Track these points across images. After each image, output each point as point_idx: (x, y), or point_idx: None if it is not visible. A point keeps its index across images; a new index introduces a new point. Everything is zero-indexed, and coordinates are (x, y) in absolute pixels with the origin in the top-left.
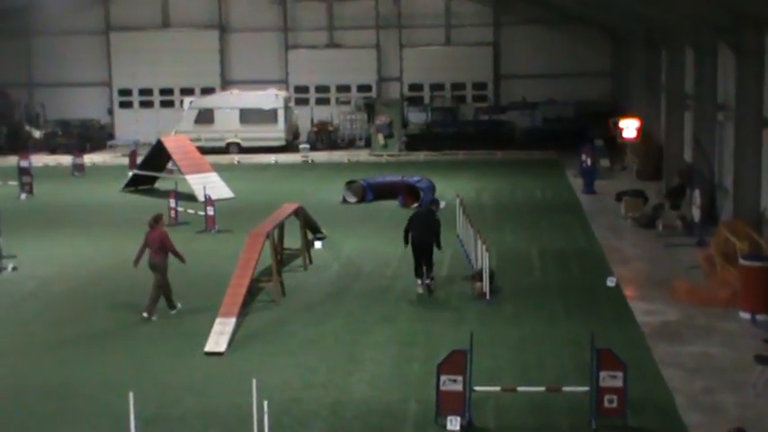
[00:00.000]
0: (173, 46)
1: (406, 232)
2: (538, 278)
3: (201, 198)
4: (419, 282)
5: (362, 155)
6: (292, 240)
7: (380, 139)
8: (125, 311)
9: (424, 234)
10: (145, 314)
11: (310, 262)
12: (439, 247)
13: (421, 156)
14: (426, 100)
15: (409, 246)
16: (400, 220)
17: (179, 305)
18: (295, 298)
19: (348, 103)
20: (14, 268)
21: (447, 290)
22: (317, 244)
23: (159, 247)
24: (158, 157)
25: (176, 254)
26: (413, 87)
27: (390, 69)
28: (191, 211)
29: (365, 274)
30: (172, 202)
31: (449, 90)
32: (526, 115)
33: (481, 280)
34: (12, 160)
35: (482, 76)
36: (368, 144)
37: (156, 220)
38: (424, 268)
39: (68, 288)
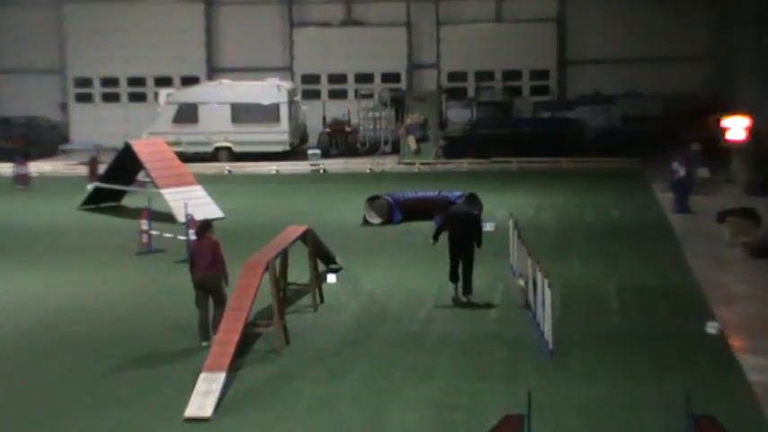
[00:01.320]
0: (145, 23)
1: (440, 230)
2: (615, 322)
3: (182, 218)
4: (454, 287)
5: (389, 163)
6: (299, 273)
7: (412, 142)
8: (85, 363)
9: (465, 230)
10: (204, 343)
11: (321, 300)
12: (479, 245)
13: (463, 164)
14: (471, 93)
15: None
16: (438, 246)
17: (213, 337)
18: (302, 346)
19: (370, 96)
20: None
21: (498, 336)
22: (331, 277)
23: (212, 260)
24: (126, 165)
25: (224, 272)
26: (453, 77)
27: (425, 53)
28: (168, 235)
29: (392, 315)
30: (143, 224)
31: (500, 80)
32: (600, 112)
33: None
34: None
35: (543, 62)
36: (395, 149)
37: (205, 228)
38: (461, 274)
39: (9, 336)
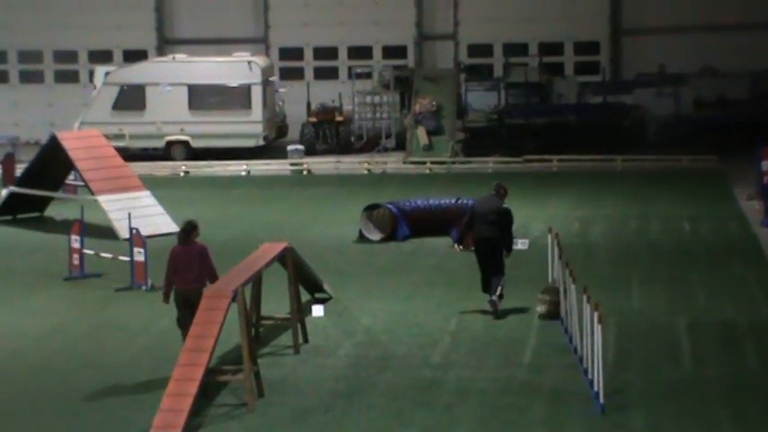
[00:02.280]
0: None
1: (467, 227)
2: (688, 369)
3: (124, 234)
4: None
5: (392, 162)
6: (275, 304)
7: (422, 135)
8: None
9: (491, 229)
10: None
11: (305, 340)
12: (508, 249)
13: (488, 164)
14: (498, 72)
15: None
16: (454, 269)
17: None
18: (279, 400)
19: (368, 76)
20: None
21: (534, 386)
22: (317, 310)
23: (201, 270)
24: (52, 164)
25: (215, 279)
26: (476, 50)
27: (439, 21)
28: (106, 255)
29: (396, 359)
30: (74, 241)
31: (535, 55)
32: (665, 96)
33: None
34: None
35: (591, 32)
36: (401, 144)
37: (189, 231)
38: (492, 278)
39: None
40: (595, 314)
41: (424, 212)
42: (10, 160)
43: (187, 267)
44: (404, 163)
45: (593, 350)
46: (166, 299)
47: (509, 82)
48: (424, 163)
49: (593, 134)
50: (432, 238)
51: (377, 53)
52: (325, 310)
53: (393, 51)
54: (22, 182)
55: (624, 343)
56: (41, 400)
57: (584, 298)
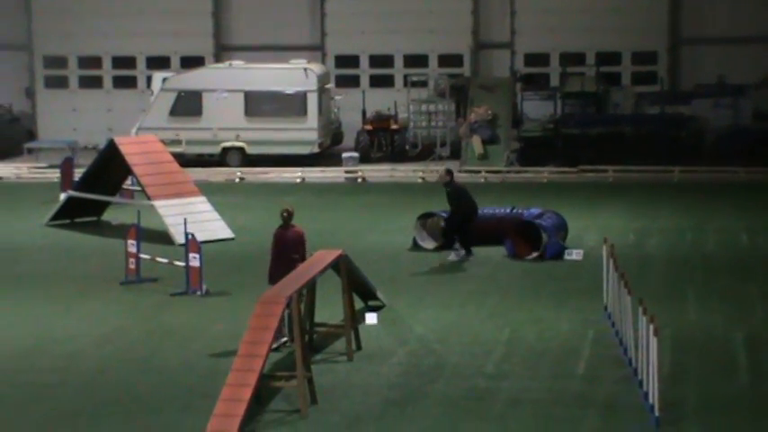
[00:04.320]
0: None
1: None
2: (744, 383)
3: (180, 239)
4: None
5: None
6: (329, 311)
7: (477, 144)
8: (53, 424)
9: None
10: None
11: (358, 347)
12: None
13: (544, 174)
14: (554, 81)
15: None
16: (507, 278)
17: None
18: (332, 407)
19: (424, 84)
20: None
21: (587, 397)
22: (371, 317)
23: (302, 252)
24: (109, 169)
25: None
26: (532, 60)
27: (495, 30)
28: (162, 260)
29: (449, 368)
30: (130, 245)
31: (592, 65)
32: (724, 107)
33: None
34: None
35: (649, 42)
36: (455, 153)
37: (292, 213)
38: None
39: None
40: (651, 326)
41: (478, 221)
42: (68, 165)
43: (290, 249)
44: (458, 172)
45: (648, 363)
46: (271, 280)
47: (565, 91)
48: (479, 172)
49: (649, 145)
50: (485, 247)
51: (432, 61)
52: (379, 318)
53: (449, 60)
54: (79, 186)
55: (680, 356)
56: (98, 404)
57: (640, 310)
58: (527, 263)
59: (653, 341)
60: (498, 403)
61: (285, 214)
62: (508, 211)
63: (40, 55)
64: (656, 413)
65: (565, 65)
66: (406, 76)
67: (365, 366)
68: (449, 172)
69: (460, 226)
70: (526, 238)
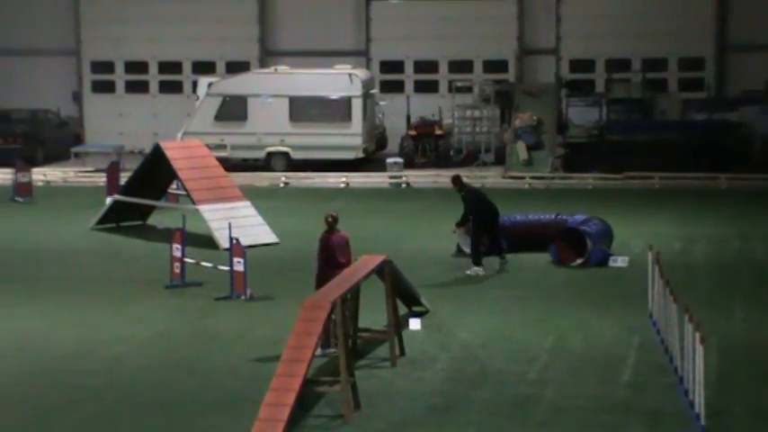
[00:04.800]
0: None
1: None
2: None
3: (224, 244)
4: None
5: (491, 176)
6: (373, 316)
7: (521, 150)
8: (96, 427)
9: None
10: (333, 349)
11: (402, 353)
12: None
13: (588, 180)
14: (600, 87)
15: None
16: (552, 285)
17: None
18: (375, 413)
19: (469, 90)
20: None
21: (631, 405)
22: (414, 323)
23: (348, 257)
24: (155, 174)
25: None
26: (578, 66)
27: (541, 35)
28: (206, 264)
29: (492, 375)
30: (175, 249)
31: (638, 71)
32: None
33: None
34: None
35: (696, 48)
36: (500, 159)
37: (337, 218)
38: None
39: (4, 386)
40: (697, 334)
41: (523, 227)
42: (114, 169)
43: (338, 252)
44: (503, 177)
45: (694, 370)
46: (319, 285)
47: (611, 98)
48: (524, 178)
49: (696, 152)
50: (530, 253)
51: (477, 67)
52: (422, 324)
53: (494, 65)
54: (125, 190)
55: (726, 364)
56: (142, 407)
57: (686, 318)
58: (572, 269)
59: (699, 349)
60: (542, 410)
61: (330, 219)
62: (553, 217)
63: (87, 60)
64: (702, 422)
65: (611, 71)
66: (450, 82)
67: (408, 372)
68: (455, 180)
69: (479, 232)
70: (571, 245)
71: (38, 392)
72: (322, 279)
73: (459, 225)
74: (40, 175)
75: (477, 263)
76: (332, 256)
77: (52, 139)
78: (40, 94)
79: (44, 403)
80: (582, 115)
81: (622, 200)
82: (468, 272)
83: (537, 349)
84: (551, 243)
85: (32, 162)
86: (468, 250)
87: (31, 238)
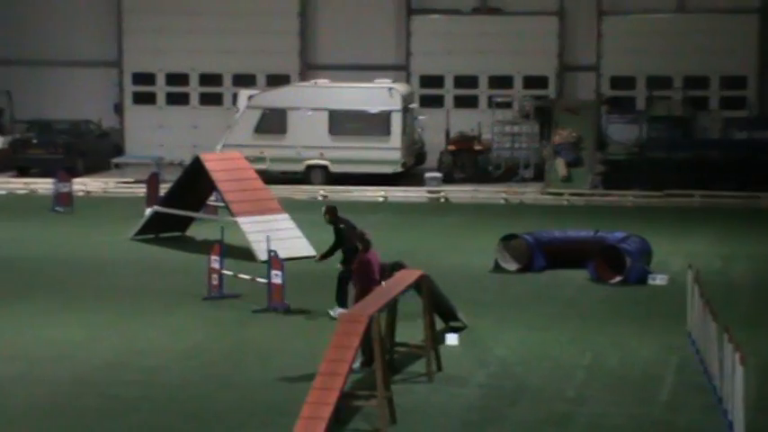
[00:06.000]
0: (222, 8)
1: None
2: None
3: (263, 256)
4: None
5: (530, 192)
6: (410, 331)
7: (560, 167)
8: None
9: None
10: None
11: (439, 368)
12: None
13: (628, 197)
14: (640, 104)
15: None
16: (590, 302)
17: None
18: (412, 428)
19: (508, 106)
20: None
21: (670, 424)
22: (451, 338)
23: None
24: (195, 185)
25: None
26: (618, 83)
27: (581, 52)
28: (244, 276)
29: (530, 391)
30: (214, 261)
31: (679, 88)
32: None
33: None
34: None
35: (739, 66)
36: (539, 175)
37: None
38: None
39: (40, 397)
40: (737, 354)
41: (561, 244)
42: (154, 180)
43: (376, 269)
44: (542, 193)
45: (733, 391)
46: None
47: (651, 115)
48: (563, 194)
49: (737, 170)
50: (568, 270)
51: (517, 83)
52: (460, 339)
53: (534, 81)
54: (165, 201)
55: (766, 385)
56: (178, 418)
57: (725, 337)
58: (610, 287)
59: (739, 369)
60: (578, 428)
61: (367, 237)
62: (591, 234)
63: (129, 71)
64: None
65: (652, 88)
66: (490, 97)
67: (445, 387)
68: (330, 211)
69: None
70: (610, 262)
71: (75, 402)
72: (362, 296)
73: (323, 257)
74: (80, 185)
75: (343, 304)
76: (370, 273)
77: (93, 149)
78: (82, 105)
79: (81, 413)
80: (622, 132)
81: (662, 217)
82: (332, 312)
83: (574, 367)
84: (590, 260)
85: (73, 172)
86: (506, 266)
87: (70, 248)
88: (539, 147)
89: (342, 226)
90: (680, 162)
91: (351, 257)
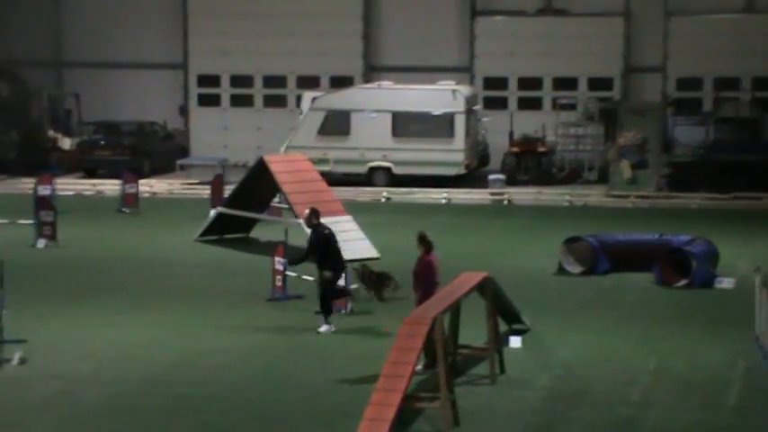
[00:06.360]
0: (287, 10)
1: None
2: None
3: None
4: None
5: (594, 195)
6: (473, 333)
7: (626, 169)
8: None
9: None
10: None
11: (502, 371)
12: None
13: (694, 200)
14: (707, 106)
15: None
16: (655, 306)
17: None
18: (475, 430)
19: (573, 107)
20: (22, 361)
21: (740, 428)
22: (515, 341)
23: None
24: (258, 187)
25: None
26: (684, 84)
27: (647, 53)
28: (308, 277)
29: (594, 395)
30: (278, 263)
31: (747, 90)
32: None
33: None
34: (26, 185)
35: None
36: (603, 177)
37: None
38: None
39: (108, 396)
40: None
41: (626, 247)
42: (218, 181)
43: (437, 272)
44: (606, 196)
45: None
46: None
47: (718, 117)
48: (628, 196)
49: None
50: (632, 273)
51: (582, 84)
52: (523, 342)
53: (599, 83)
54: (229, 203)
55: None
56: (241, 419)
57: None
58: (676, 290)
59: None
60: None
61: (428, 239)
62: (656, 237)
63: (194, 74)
64: None
65: (719, 90)
66: (554, 99)
67: (508, 390)
68: (314, 213)
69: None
70: (675, 265)
71: (142, 402)
72: (425, 299)
73: (292, 263)
74: (146, 186)
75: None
76: (432, 275)
77: (159, 151)
78: (148, 106)
79: (148, 413)
80: (688, 134)
81: (728, 220)
82: (322, 329)
83: (639, 371)
84: (655, 263)
85: (139, 174)
86: (570, 269)
87: (136, 249)
88: (603, 149)
89: (327, 232)
90: (747, 164)
91: (338, 264)
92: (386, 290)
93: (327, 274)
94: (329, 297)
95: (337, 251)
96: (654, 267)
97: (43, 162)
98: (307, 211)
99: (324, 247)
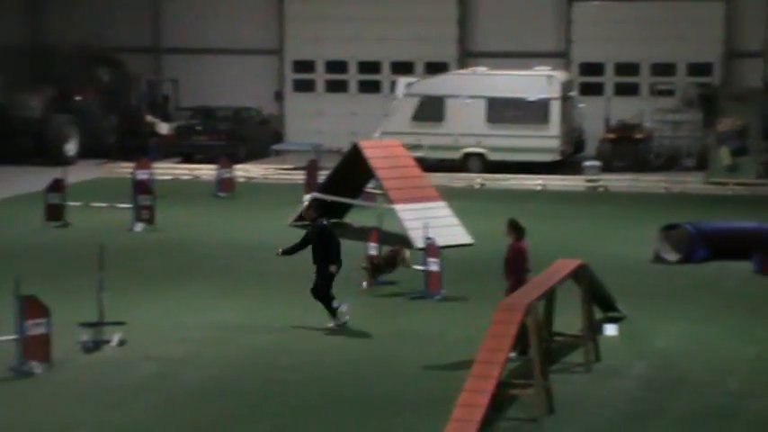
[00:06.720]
0: None
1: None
2: None
3: (419, 243)
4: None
5: (692, 182)
6: (568, 320)
7: (725, 156)
8: (297, 420)
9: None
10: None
11: (597, 359)
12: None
13: None
14: None
15: None
16: (756, 294)
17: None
18: (568, 417)
19: (671, 93)
20: (122, 342)
21: None
22: (610, 329)
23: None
24: (353, 172)
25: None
26: None
27: (748, 37)
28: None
29: (690, 384)
30: (371, 248)
31: None
32: None
33: None
34: (124, 169)
35: None
36: (702, 164)
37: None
38: None
39: (205, 378)
40: None
41: (725, 234)
42: (313, 167)
43: (528, 259)
44: (705, 183)
45: None
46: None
47: None
48: (727, 184)
49: None
50: (731, 261)
51: (681, 70)
52: (619, 330)
53: (698, 68)
54: (323, 188)
55: None
56: (336, 402)
57: None
58: None
59: None
60: (742, 424)
61: (521, 226)
62: (756, 225)
63: (290, 59)
64: None
65: None
66: (652, 85)
67: (603, 379)
68: (313, 207)
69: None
70: None
71: (238, 384)
72: (518, 286)
73: (285, 252)
74: (242, 171)
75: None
76: (524, 262)
77: (254, 136)
78: (244, 92)
79: (244, 395)
80: None
81: None
82: (330, 324)
83: (738, 360)
84: (754, 252)
85: (235, 159)
86: (667, 257)
87: (232, 233)
88: (702, 135)
89: (323, 227)
90: None
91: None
92: (396, 266)
93: (333, 268)
94: (327, 291)
95: (338, 246)
96: (753, 256)
97: (141, 147)
98: (306, 203)
99: (325, 243)
